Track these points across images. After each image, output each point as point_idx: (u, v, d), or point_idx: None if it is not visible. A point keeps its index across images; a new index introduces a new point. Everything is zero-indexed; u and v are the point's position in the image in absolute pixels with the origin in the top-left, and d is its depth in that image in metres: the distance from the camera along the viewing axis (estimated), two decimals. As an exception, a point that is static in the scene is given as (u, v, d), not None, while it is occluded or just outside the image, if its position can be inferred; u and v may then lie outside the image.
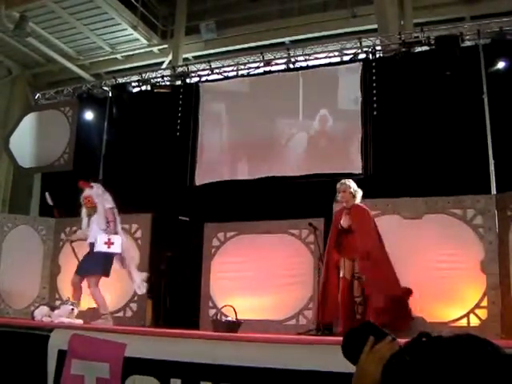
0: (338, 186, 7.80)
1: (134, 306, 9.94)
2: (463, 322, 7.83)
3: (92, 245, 8.18)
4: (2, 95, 17.16)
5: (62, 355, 4.55)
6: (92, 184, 8.78)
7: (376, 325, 1.81)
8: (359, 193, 7.79)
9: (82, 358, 4.47)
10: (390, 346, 1.71)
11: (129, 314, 9.95)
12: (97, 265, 8.18)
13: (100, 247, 8.03)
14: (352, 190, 7.72)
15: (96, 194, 8.62)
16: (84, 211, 8.65)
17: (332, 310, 7.46)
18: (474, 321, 7.81)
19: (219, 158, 11.22)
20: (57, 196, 12.25)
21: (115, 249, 8.09)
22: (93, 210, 8.49)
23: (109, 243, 8.03)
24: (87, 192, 8.63)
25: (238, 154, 11.05)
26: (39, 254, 10.70)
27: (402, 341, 1.70)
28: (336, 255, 7.61)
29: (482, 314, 7.78)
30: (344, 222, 7.60)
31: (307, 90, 10.79)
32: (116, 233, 8.36)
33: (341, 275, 7.46)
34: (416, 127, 9.60)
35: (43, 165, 12.81)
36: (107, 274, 8.26)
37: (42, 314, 7.75)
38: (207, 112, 11.56)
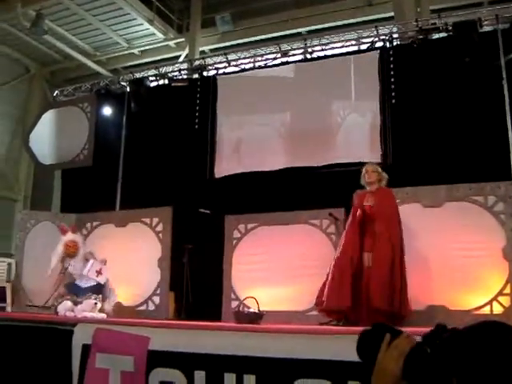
0: (366, 167, 7.73)
1: (156, 299, 9.97)
2: (486, 310, 7.74)
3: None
4: (21, 93, 17.29)
5: (86, 349, 4.58)
6: (75, 227, 8.96)
7: (389, 325, 1.80)
8: (385, 176, 7.72)
9: (107, 351, 4.49)
10: (407, 340, 1.70)
11: (151, 307, 9.98)
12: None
13: (92, 274, 8.08)
14: (380, 171, 7.67)
15: (80, 239, 8.89)
16: (59, 256, 8.68)
17: (345, 297, 7.31)
18: (497, 308, 7.73)
19: (238, 150, 11.21)
20: (76, 192, 12.35)
21: (102, 279, 8.15)
22: (73, 254, 8.59)
23: (99, 272, 8.09)
24: (72, 237, 8.75)
25: (257, 146, 11.02)
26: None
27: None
28: (358, 244, 7.35)
29: (505, 301, 7.68)
30: (366, 205, 7.42)
31: (324, 80, 10.74)
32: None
33: (366, 265, 7.21)
34: (435, 114, 9.53)
35: (63, 161, 12.87)
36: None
37: (65, 308, 7.79)
38: (226, 104, 11.54)
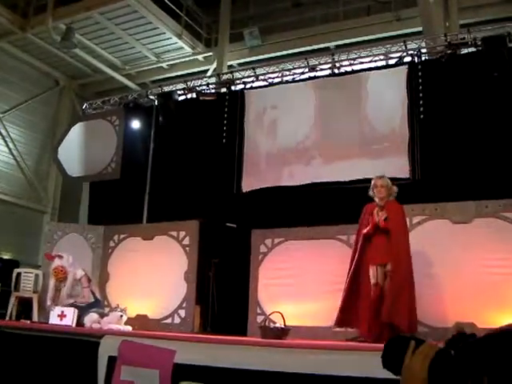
0: (375, 180, 7.63)
1: (182, 312, 9.97)
2: (515, 328, 7.63)
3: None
4: (50, 106, 17.46)
5: (112, 361, 4.58)
6: (61, 254, 9.02)
7: (413, 335, 1.83)
8: (395, 189, 7.63)
9: (132, 364, 4.49)
10: (432, 345, 1.72)
11: (177, 320, 9.98)
12: None
13: (53, 319, 8.10)
14: (390, 186, 7.57)
15: (67, 263, 8.92)
16: (52, 282, 8.94)
17: (353, 316, 7.33)
18: (527, 326, 7.62)
19: (266, 164, 11.19)
20: (104, 204, 12.42)
21: (67, 321, 8.13)
22: (63, 280, 8.76)
23: (62, 316, 8.08)
24: (58, 262, 8.93)
25: (284, 160, 10.99)
26: (88, 262, 10.79)
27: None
28: (365, 259, 7.38)
29: (536, 319, 7.60)
30: (380, 220, 7.35)
31: (351, 94, 10.71)
32: (88, 298, 8.77)
33: (373, 282, 7.19)
34: (464, 130, 9.45)
35: (91, 174, 12.94)
36: None
37: (91, 320, 7.83)
38: (253, 118, 11.55)
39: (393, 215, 7.38)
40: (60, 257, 9.01)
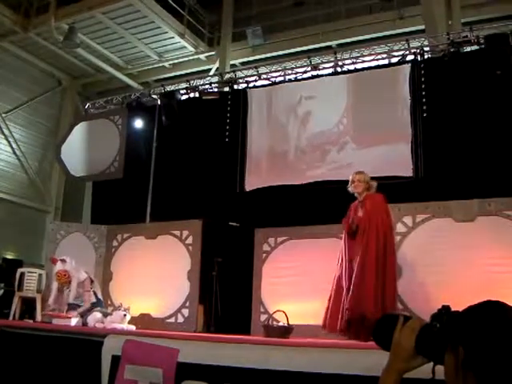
0: (352, 175, 7.49)
1: (185, 311, 9.97)
2: (519, 326, 7.62)
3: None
4: (53, 105, 17.49)
5: (115, 360, 4.58)
6: (64, 258, 9.02)
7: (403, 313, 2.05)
8: (374, 184, 7.41)
9: (136, 363, 4.49)
10: (419, 321, 1.91)
11: (180, 319, 9.98)
12: None
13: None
14: (367, 180, 7.38)
15: (71, 267, 8.91)
16: (55, 285, 8.90)
17: (334, 321, 7.00)
18: (531, 324, 7.60)
19: (268, 163, 11.19)
20: (107, 204, 12.43)
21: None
22: (67, 283, 8.75)
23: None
24: (61, 266, 8.91)
25: (287, 159, 10.99)
26: (91, 261, 10.80)
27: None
28: (346, 257, 7.16)
29: (538, 317, 7.56)
30: (354, 219, 7.17)
31: (353, 93, 10.70)
32: (89, 301, 8.72)
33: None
34: (467, 128, 9.44)
35: (94, 173, 12.95)
36: None
37: (94, 320, 7.83)
38: (256, 117, 11.54)
39: (369, 209, 7.15)
40: (63, 261, 9.00)
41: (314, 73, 11.41)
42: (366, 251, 6.88)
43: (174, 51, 16.09)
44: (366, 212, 7.14)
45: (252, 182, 11.14)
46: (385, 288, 6.85)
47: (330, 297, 7.25)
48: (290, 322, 7.51)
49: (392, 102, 10.24)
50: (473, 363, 1.62)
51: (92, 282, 9.03)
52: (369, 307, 6.59)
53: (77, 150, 13.16)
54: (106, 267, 10.97)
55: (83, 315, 8.21)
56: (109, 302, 10.26)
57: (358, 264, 6.88)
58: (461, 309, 1.80)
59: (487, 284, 7.73)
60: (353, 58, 11.11)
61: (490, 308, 1.72)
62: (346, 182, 8.43)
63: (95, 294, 9.00)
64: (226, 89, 12.26)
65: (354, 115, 10.60)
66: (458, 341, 1.68)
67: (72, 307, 8.42)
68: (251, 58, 15.46)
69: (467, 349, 1.65)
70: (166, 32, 15.09)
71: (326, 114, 10.83)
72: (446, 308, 1.86)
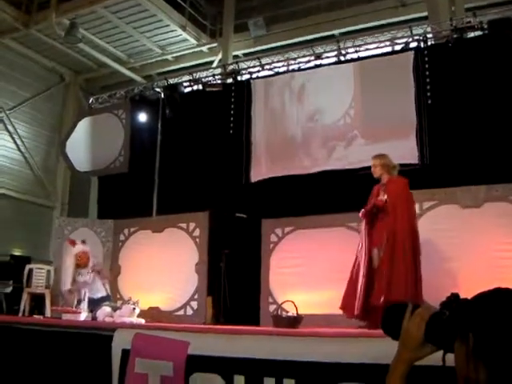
0: (371, 160, 7.52)
1: (194, 304, 10.00)
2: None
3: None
4: (56, 101, 17.48)
5: (125, 354, 4.58)
6: (84, 239, 9.10)
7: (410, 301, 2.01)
8: (396, 167, 7.43)
9: (146, 356, 4.49)
10: (428, 308, 1.90)
11: (189, 312, 10.01)
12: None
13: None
14: (382, 163, 7.38)
15: (90, 251, 9.09)
16: (72, 267, 8.94)
17: (352, 305, 7.05)
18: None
19: (273, 153, 11.17)
20: (113, 198, 12.43)
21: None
22: (84, 265, 8.86)
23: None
24: (82, 248, 8.98)
25: (292, 149, 10.97)
26: (99, 256, 10.82)
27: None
28: (367, 242, 7.15)
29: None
30: (378, 200, 7.18)
31: (358, 82, 10.66)
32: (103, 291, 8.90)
33: (374, 262, 7.01)
34: (472, 114, 9.40)
35: (99, 168, 12.96)
36: None
37: (104, 314, 7.86)
38: (260, 108, 11.52)
39: (392, 193, 7.15)
40: (83, 242, 9.07)
41: (318, 62, 11.38)
42: (394, 238, 6.87)
43: (176, 44, 16.05)
44: (389, 197, 7.12)
45: (257, 173, 11.13)
46: (416, 274, 6.86)
47: (351, 279, 7.23)
48: (299, 312, 7.51)
49: (401, 90, 10.16)
50: (483, 351, 1.61)
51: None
52: (401, 295, 6.55)
53: (81, 146, 13.17)
54: (113, 261, 11.02)
55: (94, 303, 8.26)
56: (118, 296, 10.31)
57: (385, 252, 6.87)
58: (469, 295, 1.80)
59: (495, 270, 7.73)
60: (356, 46, 11.06)
61: (500, 295, 1.70)
62: (352, 170, 8.43)
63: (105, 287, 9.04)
64: (230, 80, 12.25)
65: (363, 106, 10.55)
66: (468, 328, 1.67)
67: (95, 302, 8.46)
68: (254, 49, 15.40)
69: (477, 336, 1.64)
70: (168, 25, 15.06)
71: (332, 105, 10.79)
72: (455, 295, 1.84)
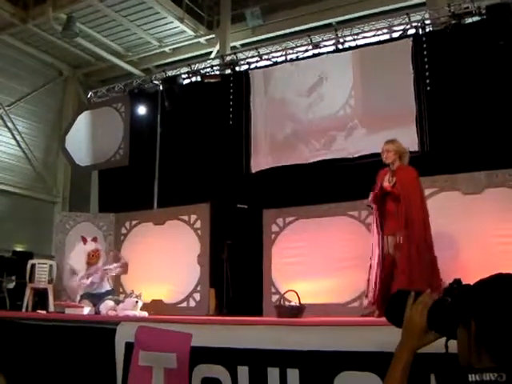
0: (383, 145, 7.36)
1: (197, 295, 10.01)
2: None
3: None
4: (55, 96, 17.47)
5: (129, 347, 4.59)
6: (96, 236, 9.29)
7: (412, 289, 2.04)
8: (407, 153, 7.37)
9: (149, 349, 4.49)
10: (430, 295, 1.94)
11: (192, 303, 10.02)
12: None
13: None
14: (396, 149, 7.27)
15: (101, 248, 9.18)
16: (84, 263, 8.89)
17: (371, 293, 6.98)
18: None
19: (273, 143, 11.16)
20: (114, 192, 12.44)
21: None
22: (95, 263, 8.87)
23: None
24: (95, 246, 8.99)
25: (292, 139, 10.96)
26: (101, 250, 10.82)
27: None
28: (379, 231, 7.06)
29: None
30: (386, 184, 7.08)
31: (356, 70, 10.63)
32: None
33: (385, 251, 6.93)
34: (471, 100, 9.38)
35: (99, 162, 12.97)
36: None
37: (107, 307, 7.86)
38: (259, 99, 11.51)
39: (402, 180, 7.07)
40: (95, 239, 9.11)
41: (316, 51, 11.35)
42: (412, 226, 6.82)
43: (173, 36, 16.02)
44: (399, 184, 7.04)
45: (258, 164, 11.13)
46: (432, 263, 6.87)
47: (370, 267, 7.18)
48: (302, 302, 7.51)
49: (400, 77, 10.13)
50: (485, 337, 1.62)
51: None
52: (419, 284, 6.40)
53: (81, 140, 13.18)
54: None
55: (97, 297, 8.28)
56: (120, 290, 10.31)
57: (403, 242, 6.81)
58: (470, 281, 1.79)
59: (496, 255, 7.73)
60: (354, 34, 11.03)
61: (502, 281, 1.71)
62: (351, 159, 8.41)
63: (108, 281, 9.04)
64: (228, 71, 12.25)
65: (363, 94, 10.52)
66: (470, 314, 1.68)
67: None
68: (251, 40, 15.37)
69: (479, 322, 1.65)
70: (165, 17, 15.02)
71: (332, 94, 10.77)
72: (457, 282, 1.87)
